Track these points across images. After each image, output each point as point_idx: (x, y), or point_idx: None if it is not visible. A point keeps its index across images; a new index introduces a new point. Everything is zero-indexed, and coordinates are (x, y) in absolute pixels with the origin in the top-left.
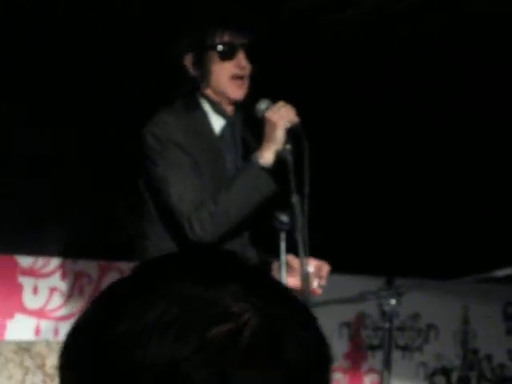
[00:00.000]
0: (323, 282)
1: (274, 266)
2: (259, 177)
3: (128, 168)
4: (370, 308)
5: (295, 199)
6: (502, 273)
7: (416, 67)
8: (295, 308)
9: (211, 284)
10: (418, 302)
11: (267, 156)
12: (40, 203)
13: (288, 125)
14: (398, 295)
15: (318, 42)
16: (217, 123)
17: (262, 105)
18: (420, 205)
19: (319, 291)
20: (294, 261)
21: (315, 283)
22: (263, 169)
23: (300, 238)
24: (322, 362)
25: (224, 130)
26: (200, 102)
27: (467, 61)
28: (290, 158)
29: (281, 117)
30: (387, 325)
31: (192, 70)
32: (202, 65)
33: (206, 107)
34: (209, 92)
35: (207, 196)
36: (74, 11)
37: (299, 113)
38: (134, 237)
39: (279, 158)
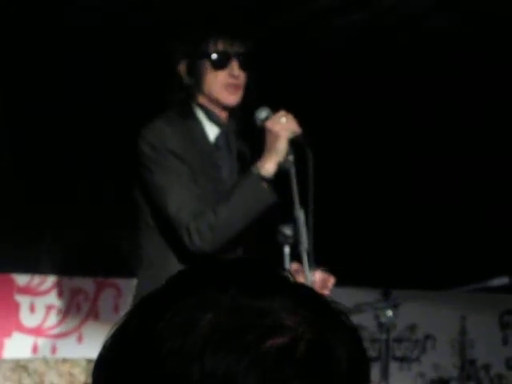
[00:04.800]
0: (327, 293)
1: None
2: (260, 188)
3: (122, 184)
4: (366, 320)
5: (299, 212)
6: (497, 282)
7: (428, 70)
8: (341, 320)
9: (259, 295)
10: (414, 313)
11: (269, 167)
12: (36, 221)
13: (291, 135)
14: (395, 307)
15: (328, 46)
16: (211, 132)
17: (262, 113)
18: (416, 216)
19: None
20: (299, 268)
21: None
22: (264, 180)
23: (304, 251)
24: (367, 373)
25: (219, 138)
26: (194, 110)
27: (480, 62)
28: (292, 169)
29: (283, 127)
30: (384, 336)
31: (186, 78)
32: (196, 73)
33: (201, 116)
34: (203, 100)
35: (207, 206)
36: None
37: (304, 121)
38: (129, 249)
39: (281, 170)
